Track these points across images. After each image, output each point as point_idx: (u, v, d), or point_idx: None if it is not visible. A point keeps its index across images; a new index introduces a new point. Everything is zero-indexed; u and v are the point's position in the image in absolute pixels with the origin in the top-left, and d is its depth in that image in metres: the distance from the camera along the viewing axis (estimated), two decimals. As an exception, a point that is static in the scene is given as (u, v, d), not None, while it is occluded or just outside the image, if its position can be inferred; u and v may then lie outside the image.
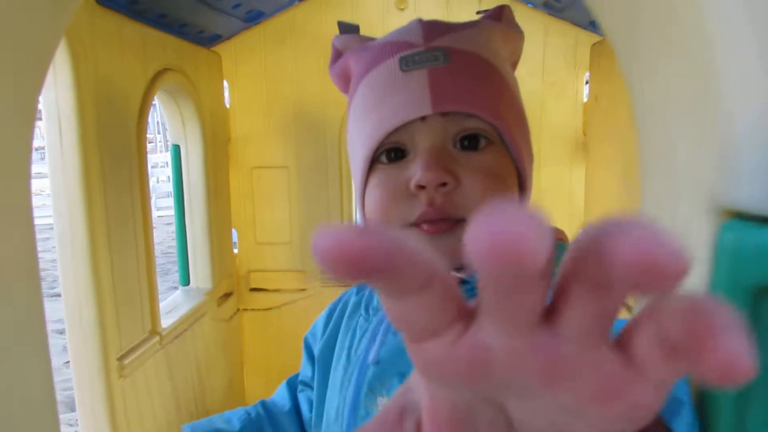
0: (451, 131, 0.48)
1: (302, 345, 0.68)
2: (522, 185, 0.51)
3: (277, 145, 1.41)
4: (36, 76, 0.43)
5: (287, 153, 1.41)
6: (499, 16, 0.58)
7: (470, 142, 0.48)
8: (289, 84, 1.41)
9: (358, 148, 0.52)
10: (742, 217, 0.22)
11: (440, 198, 0.46)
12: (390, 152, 0.49)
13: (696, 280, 0.24)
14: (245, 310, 1.44)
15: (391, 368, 0.52)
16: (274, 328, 1.43)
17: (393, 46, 0.51)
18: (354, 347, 0.57)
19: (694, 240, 0.25)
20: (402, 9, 1.36)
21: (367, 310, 0.59)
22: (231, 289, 1.38)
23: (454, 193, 0.46)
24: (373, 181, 0.50)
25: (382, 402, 0.52)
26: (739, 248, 0.22)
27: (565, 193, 1.40)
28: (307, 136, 1.40)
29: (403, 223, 0.48)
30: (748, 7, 0.20)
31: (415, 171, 0.46)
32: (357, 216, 0.58)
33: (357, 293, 0.63)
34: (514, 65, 0.59)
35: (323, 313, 0.66)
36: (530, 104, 1.42)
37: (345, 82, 0.58)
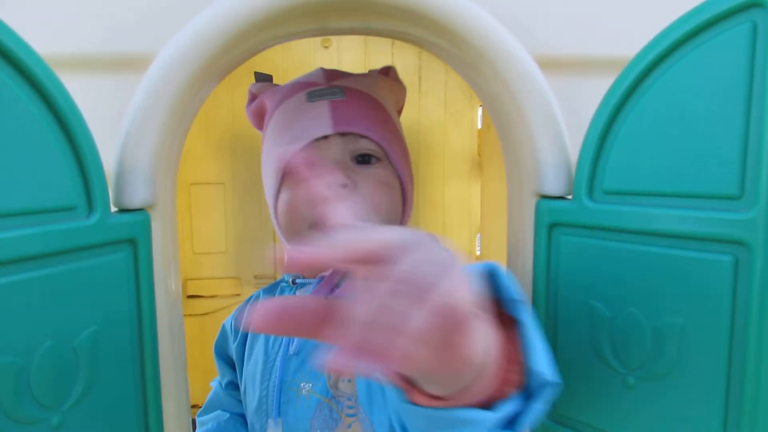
0: (348, 149, 0.62)
1: (214, 355, 0.77)
2: (404, 197, 0.67)
3: (213, 163, 1.63)
4: None
5: (223, 170, 1.64)
6: (386, 73, 0.76)
7: (364, 158, 0.63)
8: (223, 108, 1.64)
9: (272, 163, 0.64)
10: (544, 197, 0.54)
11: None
12: None
13: (527, 224, 0.55)
14: (185, 315, 1.63)
15: (308, 357, 0.62)
16: (210, 331, 1.64)
17: (301, 85, 0.66)
18: (270, 343, 0.65)
19: (530, 209, 0.56)
20: (327, 47, 1.66)
21: None
22: (174, 296, 1.57)
23: (351, 195, 0.60)
24: (284, 196, 0.63)
25: (305, 387, 0.61)
26: (542, 210, 0.54)
27: (465, 204, 1.75)
28: (242, 155, 1.64)
29: (309, 222, 0.61)
30: (546, 113, 0.52)
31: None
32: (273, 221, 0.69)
33: (264, 294, 0.74)
34: (399, 112, 0.77)
35: (228, 320, 0.77)
36: (435, 130, 1.79)
37: (259, 118, 0.73)
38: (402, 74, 1.86)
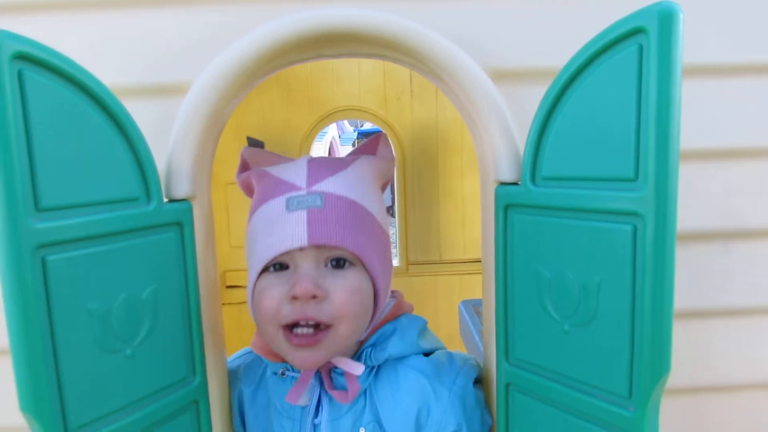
0: (323, 256, 0.66)
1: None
2: (377, 297, 0.70)
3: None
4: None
5: (256, 170, 1.84)
6: (374, 148, 0.79)
7: (337, 263, 0.67)
8: (254, 114, 1.83)
9: (253, 262, 0.68)
10: (501, 183, 0.69)
11: (311, 307, 0.64)
12: (276, 266, 0.67)
13: (490, 206, 0.70)
14: (223, 304, 1.84)
15: None
16: (247, 320, 1.83)
17: (283, 186, 0.68)
18: None
19: (492, 193, 0.71)
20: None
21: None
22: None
23: (323, 303, 0.64)
24: (261, 284, 0.67)
25: None
26: (500, 193, 0.69)
27: (483, 196, 1.90)
28: (273, 156, 1.83)
29: (280, 323, 0.65)
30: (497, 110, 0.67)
31: (293, 284, 0.63)
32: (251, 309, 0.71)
33: (244, 378, 0.81)
34: (386, 185, 0.80)
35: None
36: (453, 127, 1.95)
37: (248, 191, 0.77)
38: (419, 75, 2.03)
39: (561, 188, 0.63)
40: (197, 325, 0.68)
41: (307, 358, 0.66)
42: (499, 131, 0.68)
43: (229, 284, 1.86)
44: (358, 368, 0.70)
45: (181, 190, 0.66)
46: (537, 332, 0.67)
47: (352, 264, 0.67)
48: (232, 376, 0.82)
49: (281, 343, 0.67)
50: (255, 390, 0.80)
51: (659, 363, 0.57)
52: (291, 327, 0.65)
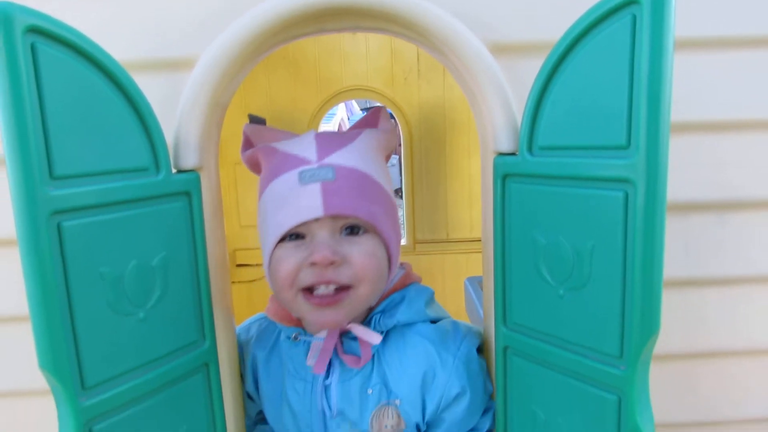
0: (338, 225, 0.69)
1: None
2: (390, 261, 0.74)
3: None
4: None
5: (264, 150, 1.86)
6: (376, 121, 0.82)
7: (352, 230, 0.70)
8: (261, 93, 1.85)
9: (268, 234, 0.71)
10: (500, 153, 0.71)
11: (330, 272, 0.67)
12: (292, 236, 0.70)
13: (489, 176, 0.72)
14: (233, 282, 1.87)
15: (345, 415, 0.76)
16: (257, 297, 1.87)
17: (293, 160, 0.70)
18: (299, 396, 0.78)
19: (490, 164, 0.73)
20: (354, 33, 1.84)
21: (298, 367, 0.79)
22: (224, 263, 1.81)
23: (341, 267, 0.68)
24: (279, 253, 0.70)
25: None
26: (498, 164, 0.71)
27: (489, 175, 1.91)
28: (281, 136, 1.86)
29: (298, 287, 0.68)
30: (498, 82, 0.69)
31: (312, 251, 0.67)
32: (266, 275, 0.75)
33: (257, 345, 0.84)
34: (389, 156, 0.82)
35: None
36: (460, 106, 1.96)
37: (254, 167, 0.80)
38: (426, 54, 2.03)
39: (556, 157, 0.65)
40: (206, 291, 0.71)
41: (327, 317, 0.69)
42: (498, 103, 0.70)
43: (239, 263, 1.90)
44: (375, 337, 0.74)
45: (188, 161, 0.69)
46: (533, 297, 0.70)
47: (366, 231, 0.71)
48: (247, 341, 0.85)
49: (301, 306, 0.70)
50: (269, 354, 0.83)
51: (649, 324, 0.59)
52: (310, 290, 0.69)
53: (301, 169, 0.69)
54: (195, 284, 0.70)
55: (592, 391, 0.65)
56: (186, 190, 0.68)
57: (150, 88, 0.64)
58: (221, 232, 0.76)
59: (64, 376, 0.57)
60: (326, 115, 2.03)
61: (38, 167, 0.53)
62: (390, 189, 0.77)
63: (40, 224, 0.54)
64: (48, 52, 0.54)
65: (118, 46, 0.63)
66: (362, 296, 0.70)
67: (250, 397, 0.86)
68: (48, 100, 0.54)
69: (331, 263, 0.67)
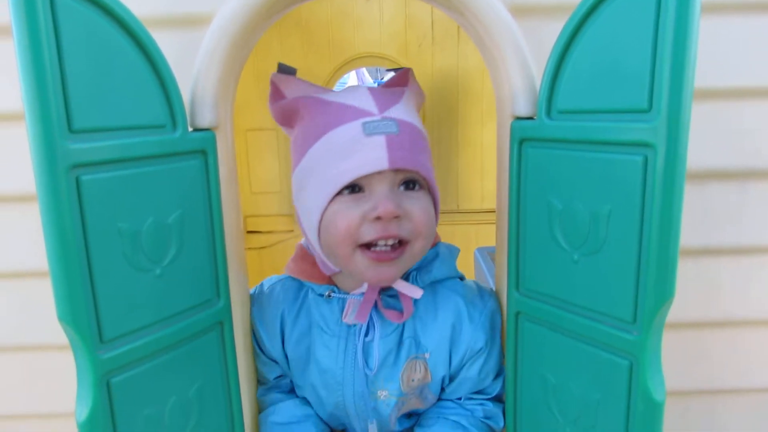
0: (398, 178, 0.69)
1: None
2: (436, 216, 0.76)
3: (266, 110, 1.83)
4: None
5: (276, 117, 1.86)
6: (406, 80, 0.80)
7: (408, 185, 0.70)
8: (274, 60, 1.84)
9: (323, 186, 0.68)
10: (517, 118, 0.71)
11: (393, 226, 0.67)
12: (349, 189, 0.68)
13: (506, 140, 0.72)
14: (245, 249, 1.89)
15: (381, 371, 0.78)
16: (268, 264, 1.89)
17: (353, 111, 0.69)
18: (334, 355, 0.79)
19: (507, 128, 0.73)
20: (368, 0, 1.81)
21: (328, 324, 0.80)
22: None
23: (402, 221, 0.68)
24: (334, 207, 0.68)
25: (383, 393, 0.78)
26: (515, 128, 0.70)
27: (502, 146, 1.90)
28: (293, 103, 1.85)
29: (357, 242, 0.68)
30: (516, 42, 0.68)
31: (376, 205, 0.66)
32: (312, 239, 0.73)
33: (286, 298, 0.83)
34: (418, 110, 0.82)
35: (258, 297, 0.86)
36: (474, 74, 1.94)
37: (286, 119, 0.78)
38: (441, 21, 2.00)
39: (575, 121, 0.65)
40: (221, 250, 0.72)
41: (386, 272, 0.70)
42: (518, 66, 0.69)
43: (249, 230, 1.91)
44: (417, 292, 0.75)
45: (204, 120, 0.69)
46: (547, 262, 0.70)
47: (421, 186, 0.72)
48: (273, 299, 0.84)
49: (358, 262, 0.69)
50: (297, 313, 0.82)
51: (663, 289, 0.59)
52: (368, 246, 0.69)
53: (364, 120, 0.68)
54: (210, 243, 0.70)
55: (604, 356, 0.66)
56: (202, 149, 0.68)
57: (166, 44, 0.63)
58: (236, 193, 0.77)
59: (82, 329, 0.58)
60: (337, 84, 2.02)
61: (57, 120, 0.54)
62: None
63: (59, 177, 0.54)
64: (67, 3, 0.54)
65: (134, 1, 0.63)
66: (417, 252, 0.71)
67: (272, 359, 0.87)
68: (66, 53, 0.54)
69: (396, 217, 0.67)
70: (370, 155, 0.66)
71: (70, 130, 0.55)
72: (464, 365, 0.79)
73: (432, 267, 0.79)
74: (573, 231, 0.66)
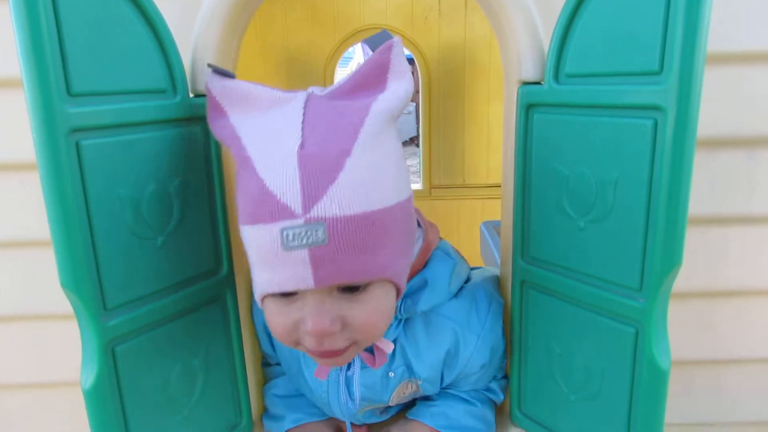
0: (334, 287, 0.56)
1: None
2: (398, 293, 0.62)
3: (270, 83, 1.81)
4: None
5: (280, 91, 1.84)
6: (383, 79, 0.60)
7: (351, 289, 0.57)
8: (278, 31, 1.82)
9: (253, 279, 0.59)
10: (524, 83, 0.70)
11: (329, 340, 0.57)
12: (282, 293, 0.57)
13: (512, 107, 0.71)
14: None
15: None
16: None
17: (272, 206, 0.52)
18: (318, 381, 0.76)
19: (514, 94, 0.71)
20: (374, -30, 1.78)
21: None
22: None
23: (341, 331, 0.58)
24: (270, 306, 0.60)
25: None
26: (522, 93, 0.69)
27: (509, 120, 1.88)
28: (297, 76, 1.83)
29: (296, 344, 0.61)
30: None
31: (305, 317, 0.56)
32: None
33: None
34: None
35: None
36: (481, 47, 1.91)
37: (226, 141, 0.60)
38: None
39: (584, 85, 0.63)
40: (223, 220, 0.72)
41: (336, 363, 0.63)
42: (526, 30, 0.68)
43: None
44: (388, 346, 0.70)
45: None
46: (552, 230, 0.69)
47: (367, 284, 0.58)
48: (257, 309, 0.80)
49: (305, 351, 0.63)
50: None
51: (671, 255, 0.58)
52: None
53: (282, 225, 0.52)
54: (212, 212, 0.70)
55: (610, 323, 0.65)
56: (203, 115, 0.67)
57: (166, 8, 0.62)
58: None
59: (85, 296, 0.58)
60: (342, 59, 2.00)
61: (56, 83, 0.53)
62: (403, 180, 0.60)
63: (59, 142, 0.54)
64: (62, -37, 0.53)
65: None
66: (369, 343, 0.63)
67: (265, 359, 0.87)
68: (64, 14, 0.53)
69: (329, 335, 0.57)
70: (290, 273, 0.54)
71: (69, 93, 0.54)
72: (462, 379, 0.77)
73: (419, 298, 0.71)
74: (580, 198, 0.65)
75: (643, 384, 0.63)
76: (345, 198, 0.53)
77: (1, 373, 0.89)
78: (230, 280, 0.74)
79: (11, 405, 0.91)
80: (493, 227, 1.53)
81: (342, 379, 0.75)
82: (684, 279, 0.64)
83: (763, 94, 0.75)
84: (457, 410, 0.79)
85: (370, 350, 0.72)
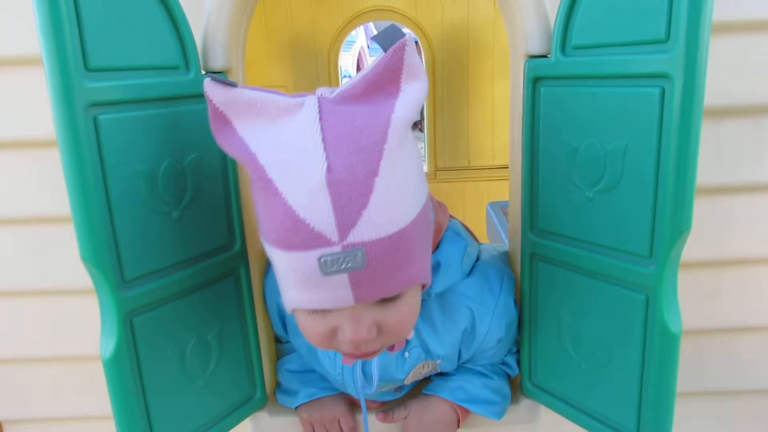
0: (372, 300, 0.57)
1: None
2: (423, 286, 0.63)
3: (275, 67, 1.84)
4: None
5: (284, 74, 1.85)
6: (396, 82, 0.57)
7: (386, 299, 0.57)
8: (282, 14, 1.83)
9: (281, 289, 0.58)
10: (530, 56, 0.71)
11: (364, 346, 0.59)
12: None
13: (519, 80, 0.72)
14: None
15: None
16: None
17: (306, 233, 0.51)
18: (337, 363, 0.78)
19: (521, 68, 0.73)
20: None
21: None
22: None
23: (377, 336, 0.58)
24: (302, 318, 0.60)
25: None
26: (529, 67, 0.70)
27: (514, 101, 1.89)
28: (301, 60, 1.84)
29: (333, 349, 0.63)
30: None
31: (343, 326, 0.57)
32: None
33: None
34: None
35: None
36: (485, 27, 1.92)
37: (238, 157, 0.58)
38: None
39: (591, 56, 0.65)
40: (236, 196, 0.73)
41: (367, 357, 0.64)
42: (532, 3, 0.69)
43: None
44: (409, 333, 0.68)
45: (217, 62, 0.69)
46: (561, 202, 0.71)
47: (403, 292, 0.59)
48: (268, 288, 0.82)
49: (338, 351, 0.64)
50: None
51: (680, 221, 0.60)
52: None
53: (319, 253, 0.51)
54: (225, 188, 0.72)
55: (620, 291, 0.67)
56: (215, 91, 0.68)
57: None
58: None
59: (104, 267, 0.60)
60: (345, 43, 2.00)
61: (73, 57, 0.54)
62: (422, 187, 0.60)
63: (78, 115, 0.55)
64: (77, -60, 0.54)
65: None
66: (400, 339, 0.65)
67: (277, 339, 0.88)
68: (79, -9, 0.55)
69: (365, 344, 0.59)
70: (330, 294, 0.54)
71: (87, 68, 0.56)
72: (479, 354, 0.79)
73: (433, 280, 0.70)
74: (588, 169, 0.67)
75: (654, 349, 0.65)
76: (379, 220, 0.52)
77: (21, 347, 0.91)
78: (243, 255, 0.76)
79: (31, 378, 0.93)
80: (499, 207, 1.55)
81: (359, 363, 0.77)
82: (691, 248, 0.65)
83: (767, 62, 0.76)
84: (475, 384, 0.81)
85: None
